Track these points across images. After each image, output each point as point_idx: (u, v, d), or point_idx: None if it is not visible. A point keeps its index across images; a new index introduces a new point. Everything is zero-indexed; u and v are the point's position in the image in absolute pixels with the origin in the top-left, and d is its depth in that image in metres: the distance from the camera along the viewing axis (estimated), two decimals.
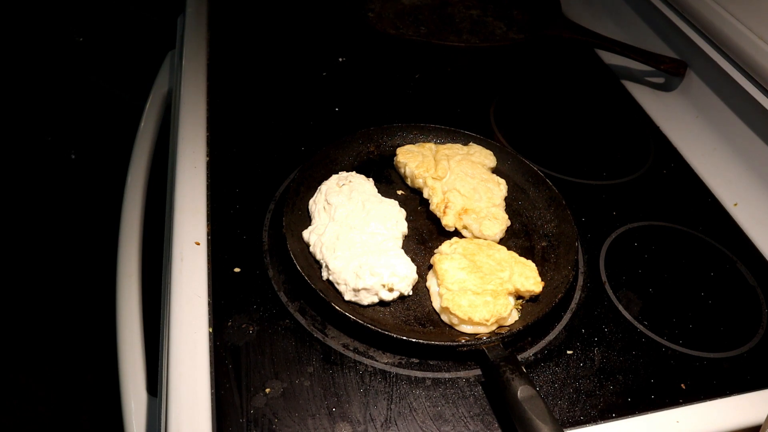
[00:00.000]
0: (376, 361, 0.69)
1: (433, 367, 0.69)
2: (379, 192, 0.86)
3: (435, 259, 0.77)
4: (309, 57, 1.18)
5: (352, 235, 0.77)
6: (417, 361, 0.69)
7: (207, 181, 0.87)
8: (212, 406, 0.63)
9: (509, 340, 0.71)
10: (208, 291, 0.73)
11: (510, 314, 0.73)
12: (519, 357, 0.71)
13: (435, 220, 0.85)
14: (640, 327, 0.77)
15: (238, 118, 1.01)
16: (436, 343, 0.68)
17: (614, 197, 0.96)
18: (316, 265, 0.76)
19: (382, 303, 0.73)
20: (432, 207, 0.86)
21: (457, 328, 0.72)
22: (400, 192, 0.91)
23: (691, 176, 1.02)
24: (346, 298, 0.72)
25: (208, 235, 0.80)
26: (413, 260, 0.77)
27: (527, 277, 0.75)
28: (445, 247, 0.79)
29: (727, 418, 0.69)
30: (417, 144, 0.94)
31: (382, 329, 0.68)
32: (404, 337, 0.67)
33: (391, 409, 0.64)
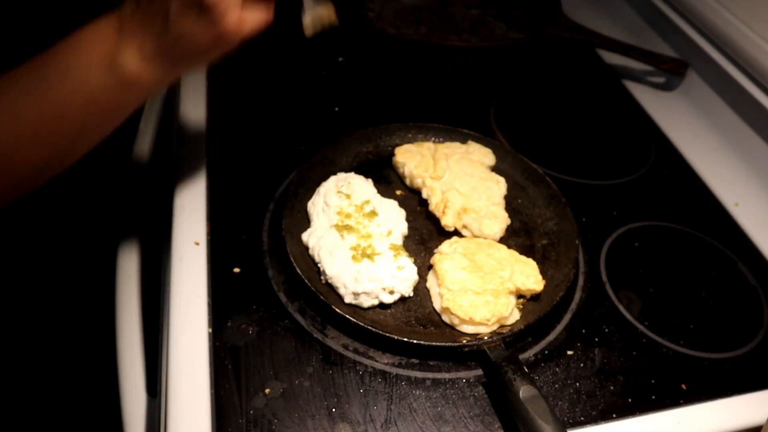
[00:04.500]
0: (376, 361, 0.69)
1: (433, 368, 0.69)
2: (378, 192, 0.85)
3: (435, 259, 0.77)
4: (309, 57, 1.18)
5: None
6: (417, 361, 0.69)
7: (207, 181, 0.87)
8: (212, 406, 0.62)
9: (511, 339, 0.71)
10: (208, 291, 0.73)
11: (511, 314, 0.72)
12: (519, 357, 0.71)
13: (434, 220, 0.85)
14: (641, 327, 0.77)
15: (238, 118, 1.01)
16: (438, 344, 0.68)
17: (614, 197, 0.95)
18: (316, 267, 0.76)
19: (382, 305, 0.73)
20: (431, 207, 0.85)
21: (458, 328, 0.72)
22: (399, 192, 0.90)
23: (691, 176, 1.02)
24: (346, 300, 0.72)
25: (208, 235, 0.80)
26: (413, 261, 0.77)
27: (528, 275, 0.75)
28: (445, 246, 0.79)
29: (728, 418, 0.68)
30: (415, 143, 0.94)
31: (383, 331, 0.68)
32: (406, 339, 0.67)
33: (391, 410, 0.64)
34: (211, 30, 0.59)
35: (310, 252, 0.77)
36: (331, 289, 0.73)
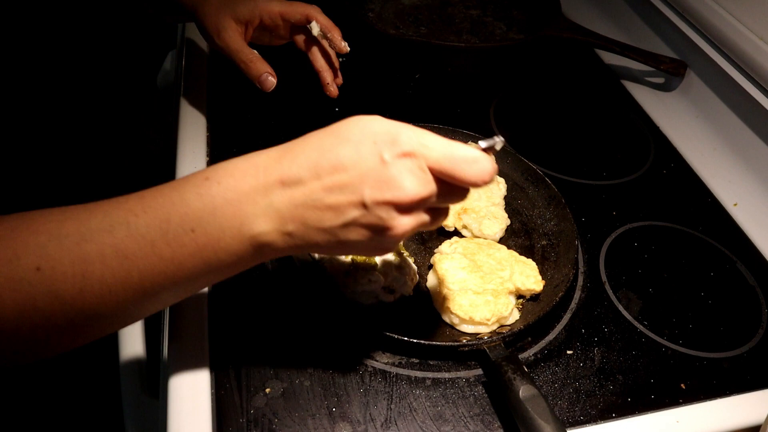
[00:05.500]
0: (376, 361, 0.69)
1: (433, 367, 0.69)
2: None
3: (435, 259, 0.77)
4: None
5: None
6: (417, 361, 0.69)
7: None
8: (212, 406, 0.63)
9: (510, 339, 0.71)
10: (208, 291, 0.73)
11: (511, 313, 0.73)
12: (519, 357, 0.71)
13: None
14: (640, 327, 0.77)
15: (238, 118, 1.01)
16: (438, 343, 0.68)
17: (614, 197, 0.96)
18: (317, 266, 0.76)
19: (382, 304, 0.73)
20: None
21: (458, 327, 0.72)
22: None
23: (691, 176, 1.02)
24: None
25: None
26: (413, 260, 0.77)
27: (528, 275, 0.75)
28: (445, 246, 0.79)
29: (727, 417, 0.69)
30: None
31: (383, 330, 0.68)
32: (406, 338, 0.67)
33: (391, 409, 0.64)
34: (373, 249, 0.54)
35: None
36: (331, 287, 0.74)
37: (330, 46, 0.87)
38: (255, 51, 0.85)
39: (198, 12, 0.86)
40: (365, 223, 0.50)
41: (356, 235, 0.51)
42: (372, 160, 0.48)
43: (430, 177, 0.50)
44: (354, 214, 0.49)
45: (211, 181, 0.50)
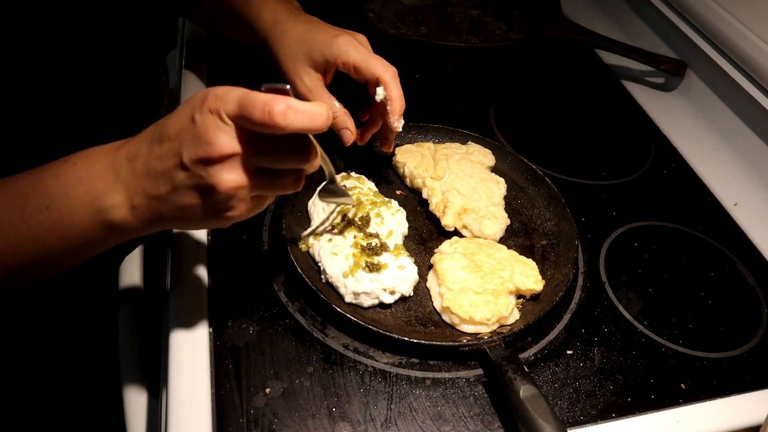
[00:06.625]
0: (376, 361, 0.69)
1: (433, 367, 0.69)
2: (378, 192, 0.85)
3: (435, 259, 0.77)
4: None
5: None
6: (417, 361, 0.69)
7: None
8: (212, 406, 0.63)
9: (510, 339, 0.71)
10: (209, 291, 0.73)
11: (511, 313, 0.73)
12: (519, 357, 0.71)
13: (434, 220, 0.85)
14: (640, 327, 0.77)
15: None
16: (438, 343, 0.68)
17: (614, 197, 0.96)
18: (316, 266, 0.76)
19: (382, 305, 0.73)
20: (431, 207, 0.86)
21: (458, 327, 0.72)
22: (399, 192, 0.91)
23: (691, 176, 1.02)
24: (347, 300, 0.72)
25: (208, 235, 0.80)
26: (413, 260, 0.77)
27: (528, 275, 0.75)
28: (446, 246, 0.79)
29: (727, 417, 0.69)
30: (415, 143, 0.94)
31: (384, 330, 0.68)
32: (406, 338, 0.67)
33: (391, 409, 0.64)
34: (213, 214, 0.54)
35: (311, 251, 0.77)
36: (332, 288, 0.74)
37: (385, 114, 0.78)
38: (340, 104, 0.80)
39: (273, 50, 0.82)
40: (190, 184, 0.52)
41: (188, 199, 0.53)
42: (186, 122, 0.51)
43: (232, 128, 0.50)
44: (179, 177, 0.52)
45: (68, 162, 0.55)
